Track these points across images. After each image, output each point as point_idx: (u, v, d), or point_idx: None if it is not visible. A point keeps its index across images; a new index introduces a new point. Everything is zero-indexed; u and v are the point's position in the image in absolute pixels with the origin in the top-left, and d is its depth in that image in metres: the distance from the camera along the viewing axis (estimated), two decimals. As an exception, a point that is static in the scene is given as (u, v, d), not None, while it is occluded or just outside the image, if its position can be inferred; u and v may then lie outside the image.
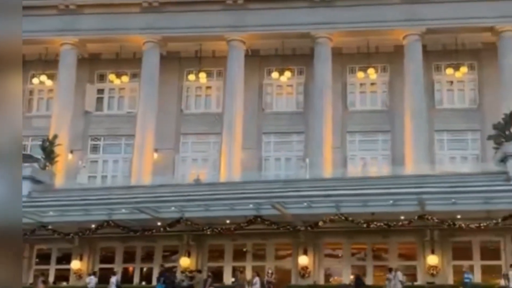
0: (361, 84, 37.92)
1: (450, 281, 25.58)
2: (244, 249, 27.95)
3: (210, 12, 36.33)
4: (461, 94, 37.25)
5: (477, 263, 25.96)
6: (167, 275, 25.74)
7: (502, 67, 34.57)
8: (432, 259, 25.30)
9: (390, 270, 24.70)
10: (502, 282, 24.32)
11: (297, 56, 37.85)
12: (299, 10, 35.96)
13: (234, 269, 27.41)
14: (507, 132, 31.71)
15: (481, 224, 23.29)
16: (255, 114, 37.64)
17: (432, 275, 25.30)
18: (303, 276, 26.38)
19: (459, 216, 24.31)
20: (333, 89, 36.62)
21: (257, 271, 25.63)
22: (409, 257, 26.86)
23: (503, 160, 26.19)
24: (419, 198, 22.20)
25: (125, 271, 29.55)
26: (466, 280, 23.16)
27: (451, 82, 37.29)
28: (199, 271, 25.92)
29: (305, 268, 26.41)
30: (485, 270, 25.82)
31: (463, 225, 23.59)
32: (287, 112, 37.76)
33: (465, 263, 25.62)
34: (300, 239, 26.71)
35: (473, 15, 34.59)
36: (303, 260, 26.41)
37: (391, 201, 22.89)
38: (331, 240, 27.29)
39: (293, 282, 26.87)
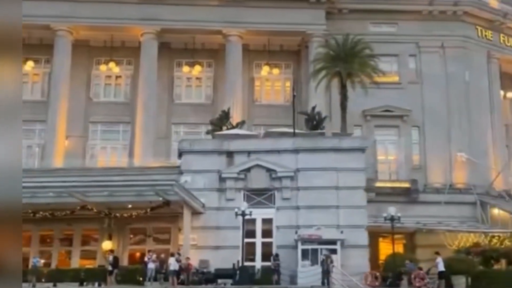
0: (106, 76, 39.83)
1: (125, 263, 28.42)
2: None
3: None
4: (198, 90, 40.47)
5: (152, 247, 29.10)
6: None
7: (228, 67, 38.13)
8: (107, 244, 27.98)
9: None
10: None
11: (43, 46, 38.77)
12: (39, 3, 36.79)
13: None
14: (223, 128, 35.41)
15: (133, 214, 26.24)
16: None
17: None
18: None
19: (130, 206, 27.09)
20: (78, 80, 38.28)
21: None
22: (92, 242, 29.44)
23: (180, 155, 29.34)
24: (69, 191, 24.52)
25: None
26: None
27: (190, 79, 40.38)
28: None
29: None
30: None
31: (118, 214, 26.42)
32: (29, 101, 38.57)
33: (142, 248, 28.67)
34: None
35: (204, 18, 37.70)
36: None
37: (51, 193, 25.01)
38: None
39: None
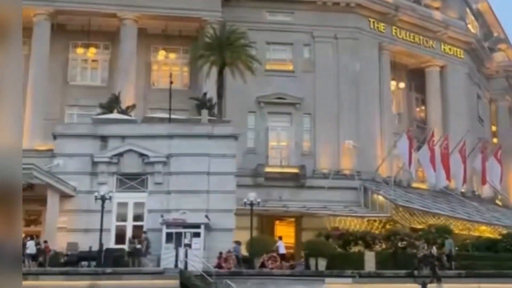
0: (-2, 57, 39.10)
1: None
2: None
3: None
4: (94, 72, 40.39)
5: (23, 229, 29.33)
6: None
7: (123, 51, 38.21)
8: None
9: None
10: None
11: None
12: None
13: None
14: (114, 111, 35.55)
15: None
16: None
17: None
18: None
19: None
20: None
21: None
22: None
23: (54, 138, 29.45)
24: None
25: None
26: None
27: (86, 61, 40.23)
28: None
29: None
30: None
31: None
32: None
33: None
34: None
35: (98, 1, 37.61)
36: None
37: None
38: None
39: None
